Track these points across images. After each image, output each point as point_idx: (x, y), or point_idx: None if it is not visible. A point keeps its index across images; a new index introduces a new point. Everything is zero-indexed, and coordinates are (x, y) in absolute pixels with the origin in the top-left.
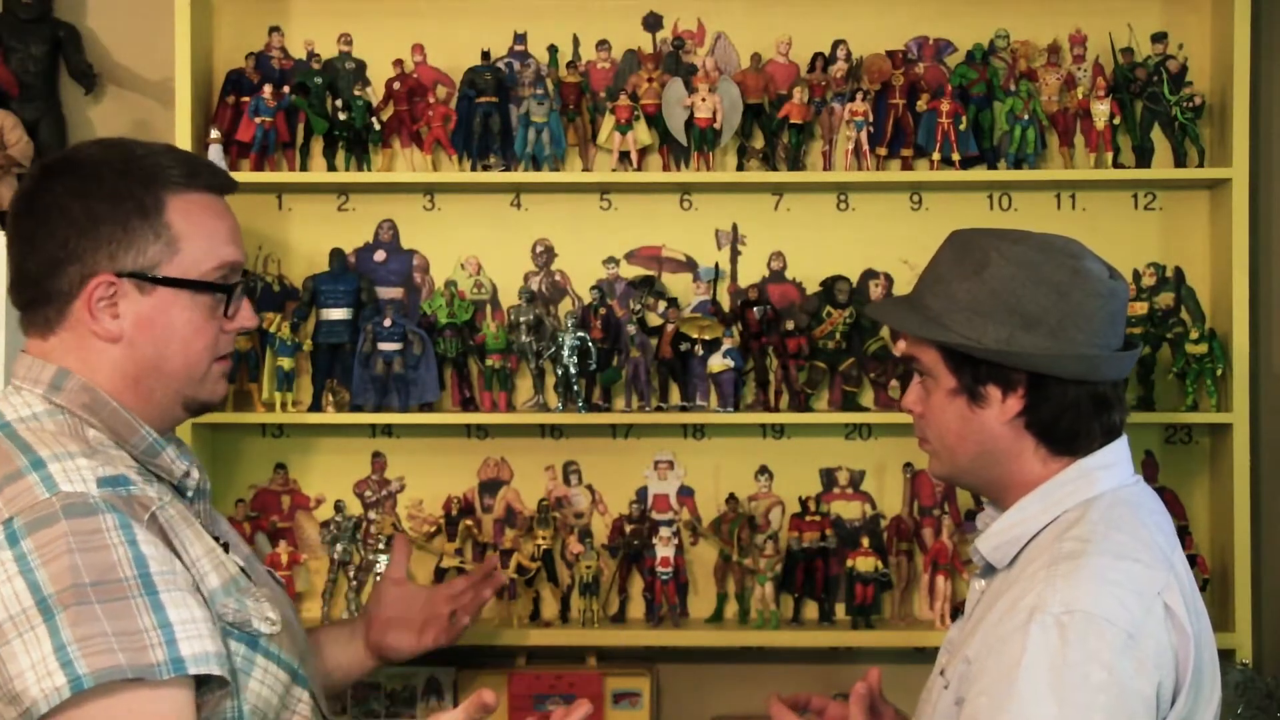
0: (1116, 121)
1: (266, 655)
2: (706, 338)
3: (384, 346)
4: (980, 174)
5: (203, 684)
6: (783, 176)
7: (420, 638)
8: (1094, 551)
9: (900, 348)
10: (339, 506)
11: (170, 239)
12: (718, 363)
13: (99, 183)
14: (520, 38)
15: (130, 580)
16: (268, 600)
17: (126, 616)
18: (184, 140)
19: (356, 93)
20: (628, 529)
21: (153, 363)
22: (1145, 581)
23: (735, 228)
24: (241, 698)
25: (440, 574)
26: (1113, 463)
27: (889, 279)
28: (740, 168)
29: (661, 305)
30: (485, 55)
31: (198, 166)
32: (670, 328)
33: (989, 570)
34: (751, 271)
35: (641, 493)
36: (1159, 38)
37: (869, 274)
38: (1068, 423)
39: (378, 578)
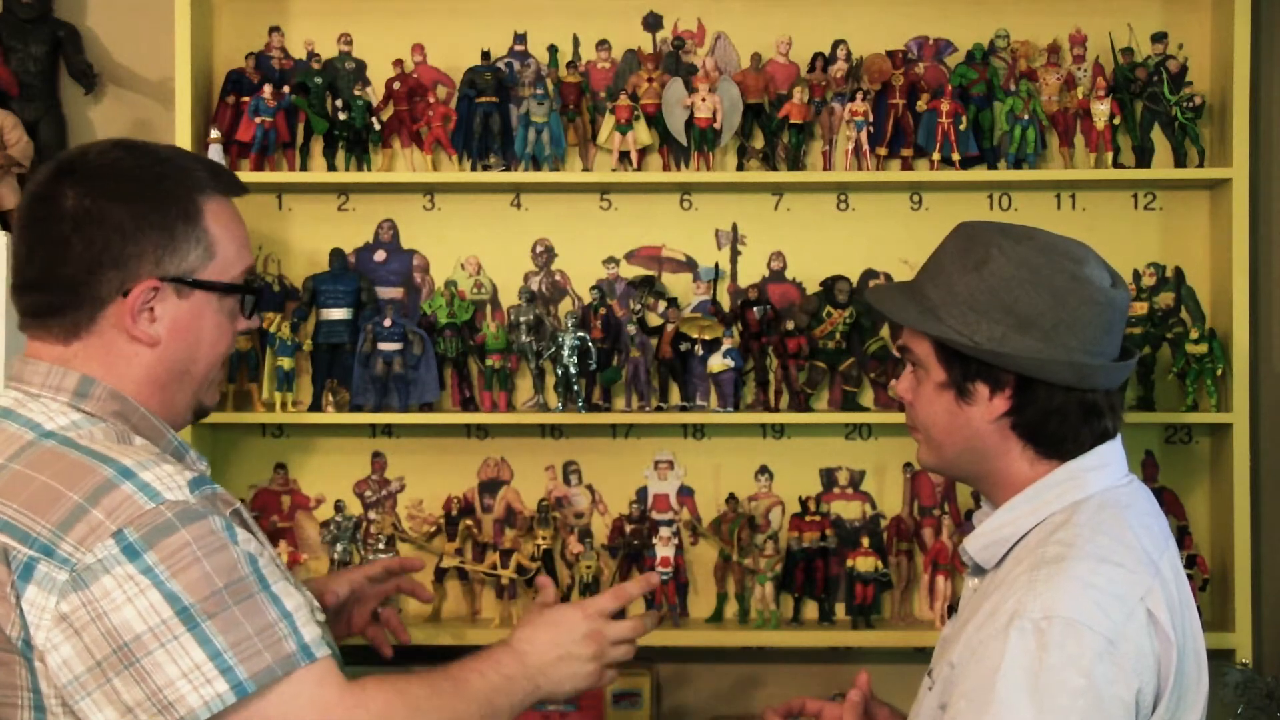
0: (1116, 121)
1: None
2: (706, 338)
3: (384, 346)
4: (980, 174)
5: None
6: (783, 176)
7: (349, 625)
8: (1076, 556)
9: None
10: (339, 506)
11: (208, 244)
12: (718, 363)
13: (141, 186)
14: (520, 38)
15: (249, 578)
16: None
17: (257, 614)
18: (184, 140)
19: (356, 93)
20: (628, 529)
21: (182, 366)
22: (1128, 587)
23: (735, 228)
24: None
25: (440, 574)
26: (1103, 464)
27: (889, 279)
28: (740, 168)
29: (661, 305)
30: (485, 55)
31: (217, 169)
32: (670, 328)
33: (979, 570)
34: (751, 271)
35: (641, 493)
36: (1159, 38)
37: (869, 274)
38: (1053, 427)
39: None
